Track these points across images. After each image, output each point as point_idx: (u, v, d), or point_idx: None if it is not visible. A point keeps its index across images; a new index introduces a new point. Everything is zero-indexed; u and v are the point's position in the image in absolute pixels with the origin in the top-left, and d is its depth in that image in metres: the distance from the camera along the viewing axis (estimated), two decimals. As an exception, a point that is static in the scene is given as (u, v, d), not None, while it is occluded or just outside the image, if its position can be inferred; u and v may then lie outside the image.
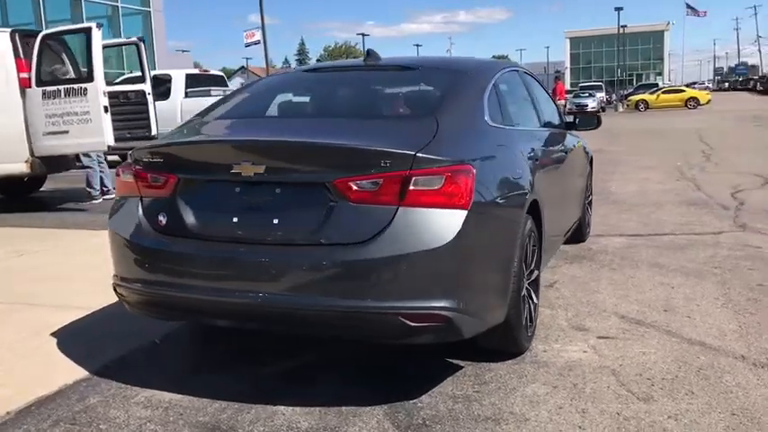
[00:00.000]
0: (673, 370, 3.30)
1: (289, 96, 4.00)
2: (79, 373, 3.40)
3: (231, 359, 3.61)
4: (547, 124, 4.71)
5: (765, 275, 4.82)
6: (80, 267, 5.69)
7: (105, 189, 9.55)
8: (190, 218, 3.04)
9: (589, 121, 5.40)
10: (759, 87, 62.84)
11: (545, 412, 2.90)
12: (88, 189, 9.39)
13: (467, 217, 2.78)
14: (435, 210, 2.76)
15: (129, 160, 3.33)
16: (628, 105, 42.87)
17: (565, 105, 32.23)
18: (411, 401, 3.02)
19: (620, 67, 64.91)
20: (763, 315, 4.01)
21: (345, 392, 3.15)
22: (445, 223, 2.76)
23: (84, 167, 9.46)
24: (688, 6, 77.39)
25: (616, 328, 3.89)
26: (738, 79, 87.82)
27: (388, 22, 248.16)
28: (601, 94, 45.25)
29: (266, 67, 30.93)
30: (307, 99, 3.98)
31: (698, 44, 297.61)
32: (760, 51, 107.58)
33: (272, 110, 3.82)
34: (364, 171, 2.76)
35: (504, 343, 3.37)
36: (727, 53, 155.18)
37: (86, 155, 9.17)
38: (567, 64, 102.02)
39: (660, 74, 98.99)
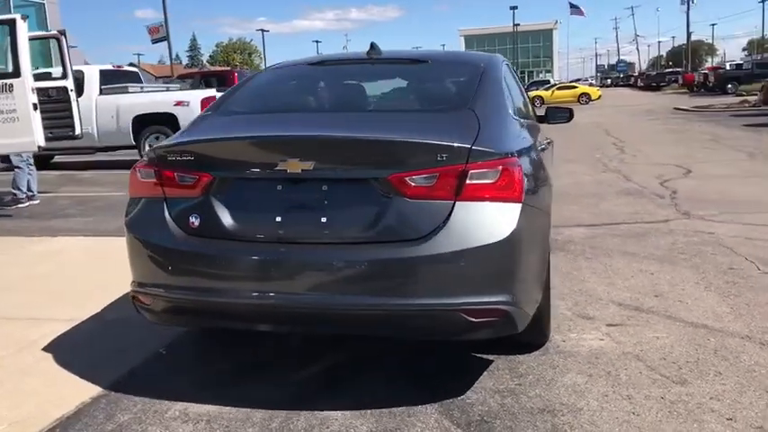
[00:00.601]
0: (692, 353, 3.42)
1: (310, 90, 3.83)
2: (92, 389, 3.15)
3: (252, 365, 3.45)
4: (530, 116, 4.77)
5: (731, 259, 5.09)
6: (28, 278, 5.29)
7: (30, 193, 8.88)
8: (227, 218, 2.87)
9: (559, 114, 5.49)
10: (640, 84, 66.51)
11: (594, 401, 2.94)
12: (13, 191, 8.69)
13: (521, 210, 2.77)
14: (492, 203, 2.73)
15: (145, 159, 3.10)
16: (524, 101, 44.05)
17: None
18: (459, 398, 2.99)
19: (513, 65, 66.93)
20: (747, 297, 4.23)
21: (387, 392, 3.07)
22: (503, 217, 2.73)
23: (9, 168, 8.79)
24: (571, 6, 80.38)
25: (619, 315, 4.00)
26: (620, 76, 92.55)
27: (280, 18, 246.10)
28: (499, 91, 46.44)
29: (170, 64, 29.80)
30: (331, 93, 3.81)
31: (581, 43, 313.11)
32: (638, 50, 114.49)
33: (300, 103, 3.66)
34: (420, 166, 2.70)
35: (535, 334, 3.36)
36: (608, 51, 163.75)
37: (17, 154, 8.52)
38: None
39: (550, 71, 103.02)
